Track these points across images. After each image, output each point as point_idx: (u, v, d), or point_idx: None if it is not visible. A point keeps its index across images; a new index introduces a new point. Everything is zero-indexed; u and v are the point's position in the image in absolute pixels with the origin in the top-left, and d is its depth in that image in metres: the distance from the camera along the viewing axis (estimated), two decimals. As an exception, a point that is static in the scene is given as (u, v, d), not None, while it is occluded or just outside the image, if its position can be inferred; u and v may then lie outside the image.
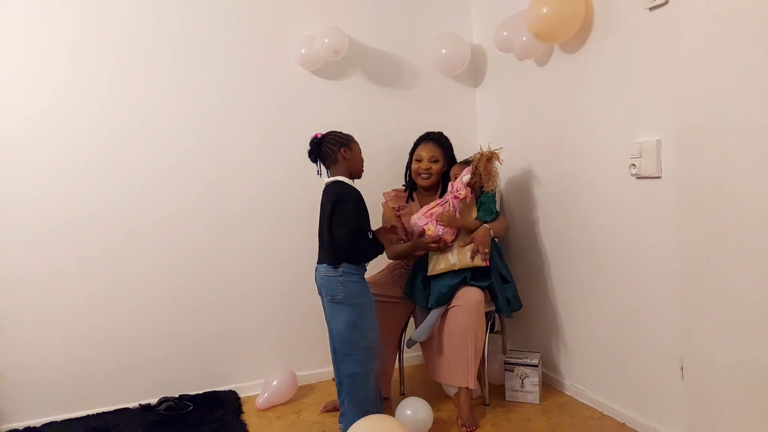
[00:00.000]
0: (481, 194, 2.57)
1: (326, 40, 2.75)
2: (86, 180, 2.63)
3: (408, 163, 2.80)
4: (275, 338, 2.94)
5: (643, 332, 2.25)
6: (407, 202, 2.79)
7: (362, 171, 2.33)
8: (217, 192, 2.81)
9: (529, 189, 2.84)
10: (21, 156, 2.54)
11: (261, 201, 2.87)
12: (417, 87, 3.15)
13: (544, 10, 2.35)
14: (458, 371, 2.40)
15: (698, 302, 1.91)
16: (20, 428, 2.53)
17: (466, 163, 2.61)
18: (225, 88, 2.81)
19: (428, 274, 2.50)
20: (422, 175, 2.70)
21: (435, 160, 2.69)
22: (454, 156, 2.77)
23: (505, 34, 2.72)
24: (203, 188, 2.80)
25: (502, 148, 2.58)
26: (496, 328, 2.82)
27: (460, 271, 2.47)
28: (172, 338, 2.78)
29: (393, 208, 2.77)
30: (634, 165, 2.18)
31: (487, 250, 2.47)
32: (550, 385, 2.77)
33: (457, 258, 2.48)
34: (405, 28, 3.11)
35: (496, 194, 2.66)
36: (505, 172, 2.95)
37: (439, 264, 2.49)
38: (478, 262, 2.46)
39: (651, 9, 2.09)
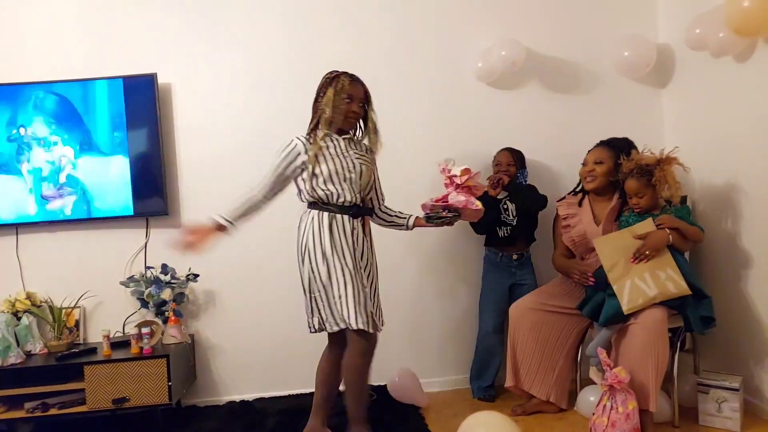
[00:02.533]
0: (671, 208, 2.42)
1: (503, 53, 2.83)
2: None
3: None
4: (455, 338, 3.05)
5: None
6: (579, 205, 2.71)
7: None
8: (395, 199, 3.03)
9: (727, 196, 2.62)
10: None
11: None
12: (596, 92, 3.09)
13: (746, 4, 2.18)
14: (638, 392, 2.27)
15: None
16: (237, 401, 2.98)
17: (643, 173, 2.41)
18: (404, 103, 3.01)
19: (625, 313, 2.31)
20: (586, 179, 2.64)
21: (599, 161, 2.60)
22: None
23: (698, 31, 2.56)
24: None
25: (677, 147, 2.41)
26: (686, 346, 2.63)
27: None
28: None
29: (561, 216, 2.73)
30: None
31: (648, 253, 2.33)
32: (753, 413, 2.51)
33: (656, 288, 2.30)
34: (583, 33, 3.08)
35: (688, 204, 2.50)
36: (697, 178, 2.76)
37: (637, 300, 2.30)
38: (679, 288, 2.30)
39: None
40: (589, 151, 2.69)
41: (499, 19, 3.04)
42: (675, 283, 2.31)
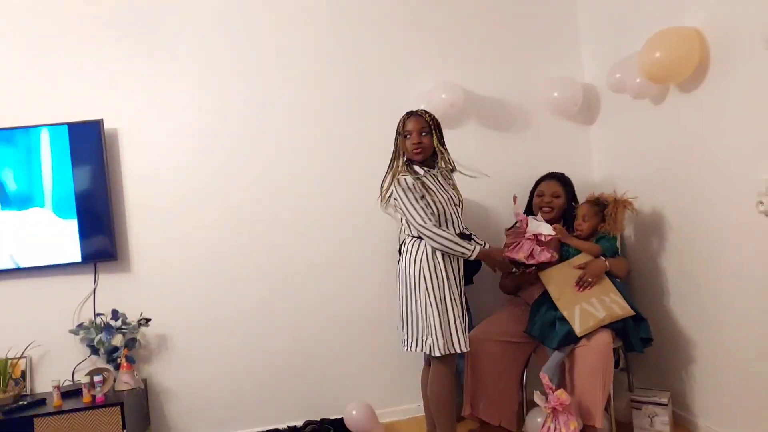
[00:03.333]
0: (601, 235, 2.66)
1: (444, 96, 2.98)
2: (248, 219, 3.06)
3: (528, 201, 2.94)
4: (413, 366, 3.10)
5: (782, 374, 2.17)
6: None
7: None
8: (350, 235, 3.13)
9: (650, 226, 2.84)
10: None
11: (387, 249, 3.08)
12: (530, 129, 3.27)
13: (657, 55, 2.40)
14: (585, 410, 2.46)
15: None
16: (189, 444, 2.97)
17: (598, 204, 2.71)
18: (348, 145, 3.11)
19: (579, 335, 2.51)
20: (543, 209, 2.81)
21: (557, 195, 2.83)
22: (575, 196, 2.89)
23: (618, 76, 2.78)
24: (333, 228, 3.13)
25: (637, 197, 2.67)
26: (620, 365, 2.83)
27: None
28: (314, 366, 3.10)
29: (509, 244, 2.85)
30: (762, 203, 2.16)
31: (590, 280, 2.55)
32: (683, 426, 2.71)
33: (604, 311, 2.52)
34: (516, 74, 3.25)
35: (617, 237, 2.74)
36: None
37: (588, 322, 2.51)
38: (624, 310, 2.52)
39: (770, 47, 2.08)
40: (541, 182, 2.90)
41: (437, 60, 3.18)
42: (620, 306, 2.54)
